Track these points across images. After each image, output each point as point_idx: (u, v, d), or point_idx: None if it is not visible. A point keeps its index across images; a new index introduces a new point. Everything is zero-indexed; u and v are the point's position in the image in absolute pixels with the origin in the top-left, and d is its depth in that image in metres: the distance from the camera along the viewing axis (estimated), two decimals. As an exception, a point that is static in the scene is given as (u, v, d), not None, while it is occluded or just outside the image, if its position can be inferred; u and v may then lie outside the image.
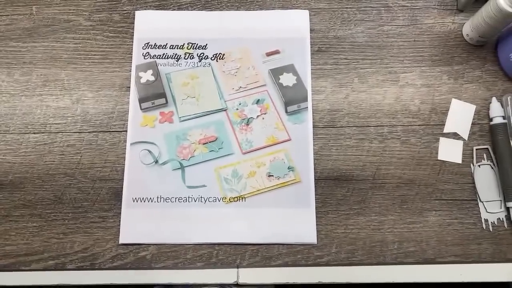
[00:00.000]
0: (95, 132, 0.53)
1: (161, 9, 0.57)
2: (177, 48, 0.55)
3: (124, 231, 0.50)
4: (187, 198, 0.50)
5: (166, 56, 0.55)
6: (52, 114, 0.54)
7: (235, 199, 0.51)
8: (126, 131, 0.53)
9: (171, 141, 0.52)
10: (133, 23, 0.57)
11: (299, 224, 0.50)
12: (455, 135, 0.53)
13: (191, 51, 0.55)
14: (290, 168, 0.51)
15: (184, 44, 0.55)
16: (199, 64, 0.55)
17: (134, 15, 0.56)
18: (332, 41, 0.56)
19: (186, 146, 0.52)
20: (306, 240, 0.50)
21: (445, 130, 0.54)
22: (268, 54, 0.55)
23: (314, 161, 0.52)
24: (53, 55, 0.56)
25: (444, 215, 0.51)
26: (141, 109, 0.53)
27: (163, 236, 0.50)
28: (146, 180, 0.51)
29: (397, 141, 0.53)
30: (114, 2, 0.58)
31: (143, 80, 0.53)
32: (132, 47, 0.55)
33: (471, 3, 0.56)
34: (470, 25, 0.54)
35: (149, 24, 0.56)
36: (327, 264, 0.50)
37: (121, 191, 0.51)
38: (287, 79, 0.54)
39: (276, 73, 0.54)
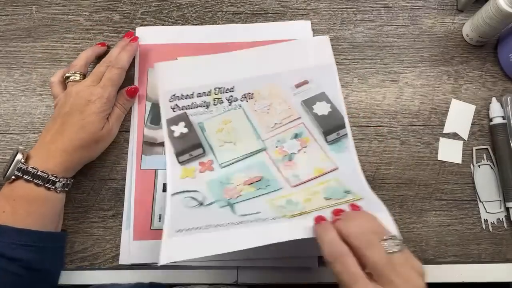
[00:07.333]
0: (95, 132, 0.53)
1: (160, 9, 0.57)
2: (204, 95, 0.52)
3: (165, 253, 0.40)
4: (241, 222, 0.42)
5: (195, 105, 0.52)
6: (51, 114, 0.54)
7: (298, 215, 0.43)
8: (125, 131, 0.53)
9: (214, 187, 0.48)
10: (133, 23, 0.57)
11: None
12: (455, 135, 0.53)
13: (219, 96, 0.52)
14: (347, 191, 0.46)
15: (211, 90, 0.53)
16: (229, 107, 0.52)
17: (153, 67, 0.54)
18: (332, 41, 0.56)
19: (231, 189, 0.48)
20: None
21: (445, 130, 0.54)
22: (297, 86, 0.53)
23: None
24: (53, 55, 0.56)
25: (444, 215, 0.51)
26: (179, 162, 0.50)
27: (213, 248, 0.40)
28: (191, 217, 0.45)
29: (396, 141, 0.53)
30: (114, 2, 0.58)
31: (176, 134, 0.50)
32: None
33: (471, 3, 0.56)
34: (470, 25, 0.54)
35: (171, 75, 0.53)
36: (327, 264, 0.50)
37: (121, 191, 0.51)
38: (321, 108, 0.52)
39: (308, 103, 0.52)
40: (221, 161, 0.50)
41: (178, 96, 0.52)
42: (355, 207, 0.41)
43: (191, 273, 0.50)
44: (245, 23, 0.57)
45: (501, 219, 0.51)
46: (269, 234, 0.39)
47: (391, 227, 0.39)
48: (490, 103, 0.54)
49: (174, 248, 0.40)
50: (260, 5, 0.57)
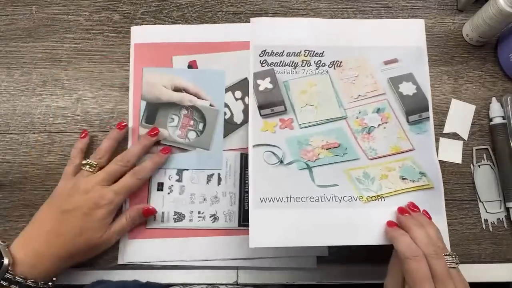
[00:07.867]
0: (95, 132, 0.53)
1: (160, 9, 0.57)
2: (294, 56, 0.53)
3: (254, 235, 0.45)
4: (319, 198, 0.47)
5: (283, 64, 0.53)
6: (52, 114, 0.54)
7: (373, 198, 0.47)
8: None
9: (293, 145, 0.50)
10: (133, 23, 0.57)
11: None
12: (455, 135, 0.53)
13: (308, 58, 0.53)
14: (422, 173, 0.49)
15: (301, 51, 0.53)
16: (316, 71, 0.53)
17: (250, 22, 0.54)
18: (332, 41, 0.56)
19: (309, 150, 0.49)
20: None
21: (445, 130, 0.54)
22: (386, 63, 0.53)
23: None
24: (53, 55, 0.56)
25: (444, 215, 0.51)
26: (260, 115, 0.51)
27: (296, 240, 0.46)
28: (273, 179, 0.48)
29: (397, 141, 0.53)
30: (114, 2, 0.58)
31: (261, 88, 0.52)
32: (130, 47, 0.55)
33: (471, 3, 0.56)
34: (470, 25, 0.54)
35: (265, 32, 0.54)
36: (327, 264, 0.50)
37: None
38: (407, 88, 0.52)
39: (395, 81, 0.53)
40: (301, 121, 0.51)
41: (268, 52, 0.53)
42: (427, 214, 0.46)
43: (191, 273, 0.50)
44: (245, 23, 0.57)
45: (501, 219, 0.51)
46: (346, 234, 0.46)
47: (443, 230, 0.45)
48: (490, 103, 0.54)
49: (260, 230, 0.45)
50: (260, 5, 0.57)
